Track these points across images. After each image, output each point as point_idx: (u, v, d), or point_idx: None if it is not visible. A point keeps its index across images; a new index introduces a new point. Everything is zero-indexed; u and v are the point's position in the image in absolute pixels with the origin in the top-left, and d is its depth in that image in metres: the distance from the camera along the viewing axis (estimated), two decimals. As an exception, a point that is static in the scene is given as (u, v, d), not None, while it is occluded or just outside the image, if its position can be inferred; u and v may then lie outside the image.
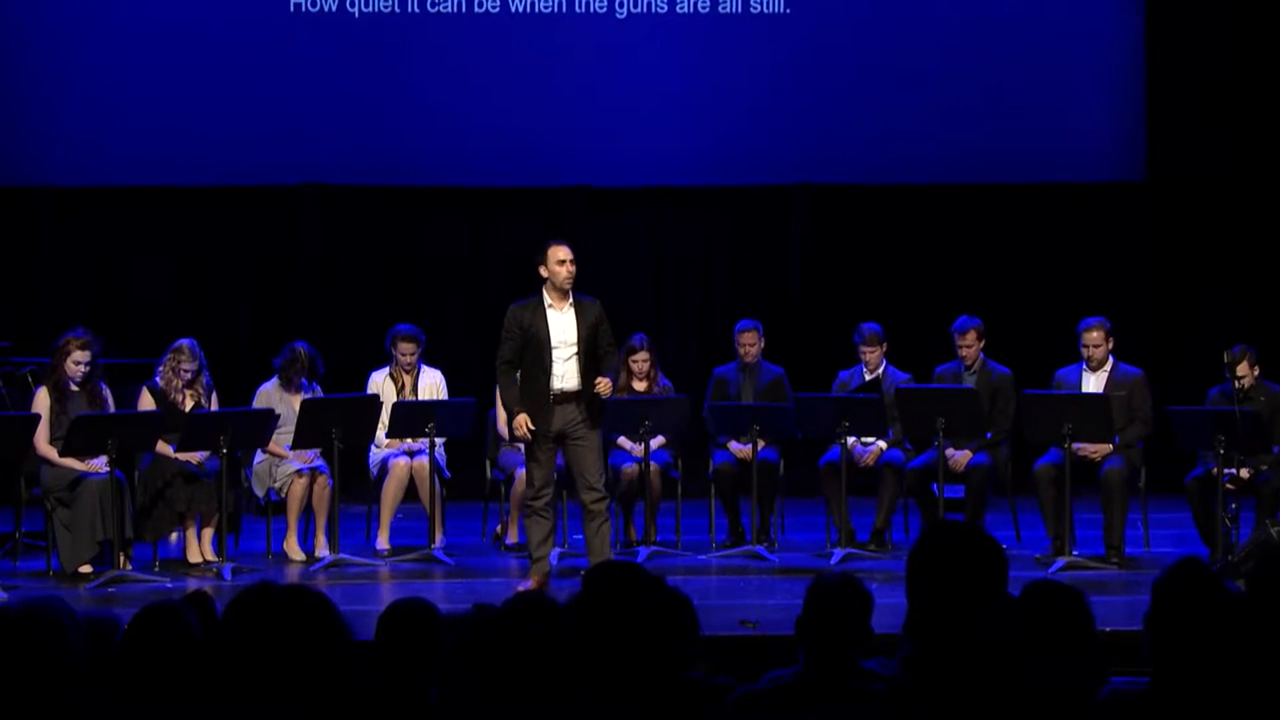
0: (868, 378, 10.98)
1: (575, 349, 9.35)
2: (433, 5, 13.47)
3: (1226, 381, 10.11)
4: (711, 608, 8.26)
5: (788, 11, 13.49)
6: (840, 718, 4.08)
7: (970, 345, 10.82)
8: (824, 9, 13.53)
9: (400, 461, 10.75)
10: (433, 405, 10.71)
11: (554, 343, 9.33)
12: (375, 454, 10.95)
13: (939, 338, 11.15)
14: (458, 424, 10.75)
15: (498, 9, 13.47)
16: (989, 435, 10.62)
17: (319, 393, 10.78)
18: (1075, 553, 10.09)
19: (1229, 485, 9.85)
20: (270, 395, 10.74)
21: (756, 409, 10.74)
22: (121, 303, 13.40)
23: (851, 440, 10.62)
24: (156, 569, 10.06)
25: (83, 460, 9.88)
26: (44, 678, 3.94)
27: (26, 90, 13.34)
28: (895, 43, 13.51)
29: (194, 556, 10.26)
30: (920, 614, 3.88)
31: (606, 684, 3.97)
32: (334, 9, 13.41)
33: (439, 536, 10.62)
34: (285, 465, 10.60)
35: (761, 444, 10.64)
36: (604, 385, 9.39)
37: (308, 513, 10.63)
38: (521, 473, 10.70)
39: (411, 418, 10.60)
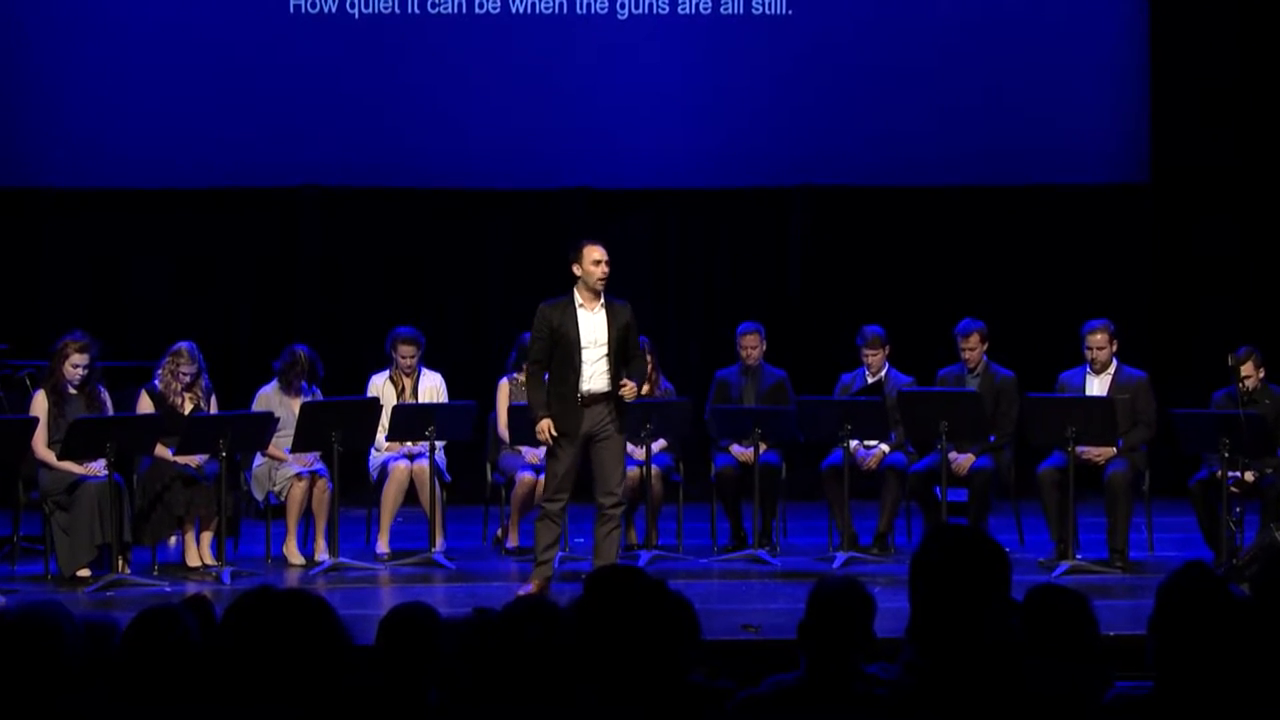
0: (870, 380, 10.96)
1: (605, 350, 9.27)
2: (433, 6, 13.44)
3: (1232, 384, 10.07)
4: (713, 612, 8.26)
5: (789, 13, 13.46)
6: (842, 722, 4.06)
7: (973, 348, 10.79)
8: (826, 10, 13.50)
9: (400, 465, 10.72)
10: (433, 408, 10.68)
11: (584, 343, 9.24)
12: (375, 457, 10.92)
13: (942, 340, 11.13)
14: (458, 427, 10.71)
15: (498, 10, 13.44)
16: (992, 438, 10.59)
17: (319, 396, 10.75)
18: (1079, 556, 10.06)
19: (1234, 488, 9.81)
20: (270, 398, 10.71)
21: (758, 412, 10.72)
22: (120, 305, 13.38)
23: (854, 443, 10.60)
24: (155, 573, 10.03)
25: (81, 463, 9.85)
26: (42, 682, 3.92)
27: (26, 91, 13.31)
28: (897, 44, 13.48)
29: (193, 560, 10.23)
30: (923, 618, 3.88)
31: (608, 688, 3.97)
32: (334, 10, 13.39)
33: (439, 540, 10.58)
34: (285, 468, 10.57)
35: (763, 447, 10.61)
36: (629, 389, 9.31)
37: (307, 516, 10.61)
38: (522, 475, 10.71)
39: (412, 421, 10.57)
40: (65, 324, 10.69)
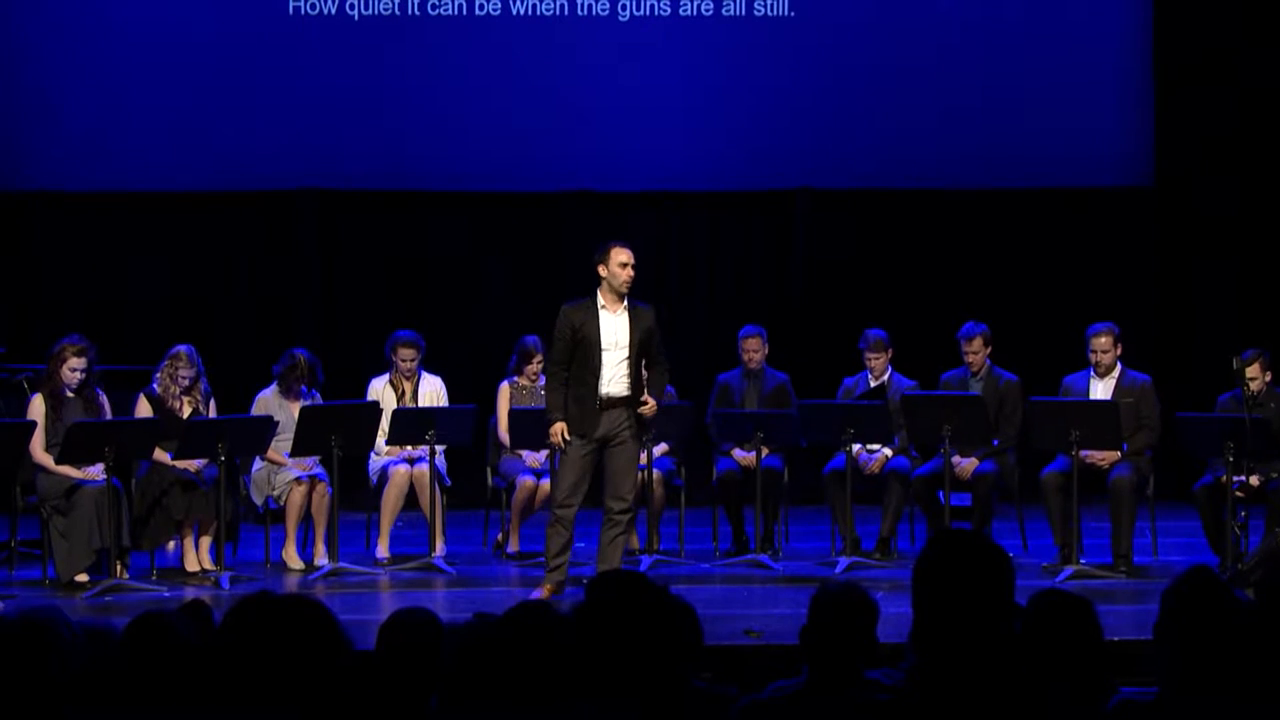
0: (873, 384, 10.95)
1: (626, 354, 9.21)
2: (433, 8, 13.42)
3: (1237, 387, 10.03)
4: (715, 617, 8.20)
5: (792, 14, 13.43)
6: (845, 728, 4.05)
7: (976, 351, 10.77)
8: (829, 12, 13.47)
9: (400, 469, 10.69)
10: (433, 412, 10.65)
11: (604, 345, 9.18)
12: (375, 461, 10.89)
13: (945, 344, 11.11)
14: (458, 431, 10.68)
15: (499, 11, 13.41)
16: (996, 442, 10.57)
17: (318, 399, 10.71)
18: (1083, 561, 10.03)
19: (1238, 493, 9.78)
20: (269, 402, 10.68)
21: (760, 416, 10.69)
22: (119, 308, 13.34)
23: (857, 447, 10.59)
24: (154, 578, 10.01)
25: (79, 468, 9.82)
26: (40, 687, 3.91)
27: (24, 94, 13.29)
28: (900, 46, 13.45)
29: (192, 565, 10.20)
30: (926, 623, 3.87)
31: (610, 693, 3.97)
32: (333, 12, 13.36)
33: (439, 545, 10.56)
34: (284, 473, 10.54)
35: (765, 451, 10.59)
36: (650, 408, 9.27)
37: (307, 521, 10.58)
38: (523, 480, 10.68)
39: (412, 425, 10.54)
40: (63, 327, 10.67)
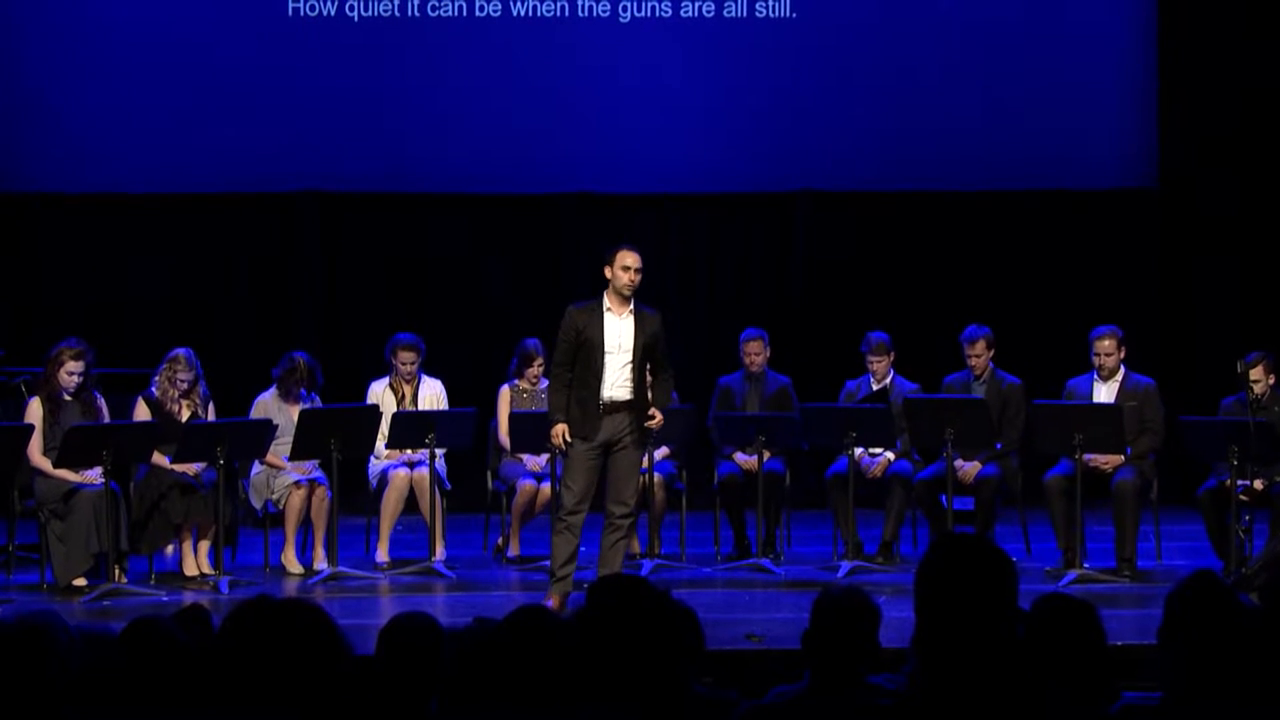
0: (875, 388, 10.94)
1: (630, 358, 9.15)
2: (433, 9, 13.39)
3: (1241, 391, 10.01)
4: (717, 621, 8.18)
5: (793, 16, 13.40)
6: (847, 732, 4.05)
7: (979, 355, 10.75)
8: (830, 13, 13.45)
9: (400, 473, 10.66)
10: (433, 416, 10.62)
11: (607, 348, 9.12)
12: (375, 465, 10.86)
13: (947, 347, 11.10)
14: (458, 435, 10.66)
15: (499, 13, 13.38)
16: (999, 446, 10.55)
17: (318, 403, 10.69)
18: (1086, 565, 10.04)
19: (1243, 497, 9.76)
20: (268, 405, 10.66)
21: (762, 419, 10.67)
22: (117, 311, 13.31)
23: (859, 451, 10.58)
24: (152, 582, 9.99)
25: (77, 472, 9.79)
26: (38, 692, 3.90)
27: (22, 96, 13.27)
28: (902, 47, 13.43)
29: (190, 569, 10.18)
30: (929, 628, 3.86)
31: (611, 698, 3.97)
32: (332, 13, 13.34)
33: (439, 549, 10.53)
34: (283, 476, 10.52)
35: (767, 455, 10.57)
36: (656, 421, 9.22)
37: (306, 525, 10.55)
38: (523, 484, 10.65)
39: (411, 428, 10.51)
40: (61, 330, 10.65)
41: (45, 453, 9.81)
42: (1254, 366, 9.99)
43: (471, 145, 13.40)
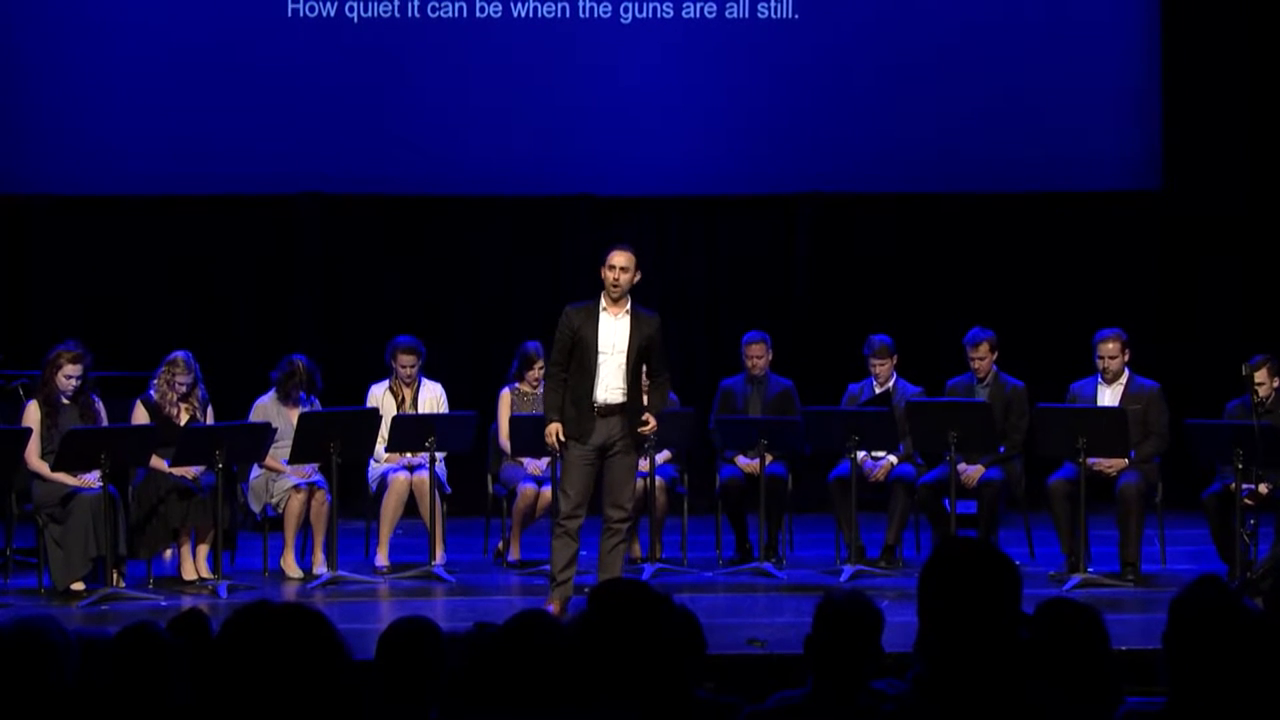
0: (878, 391, 10.91)
1: (623, 359, 9.13)
2: (433, 10, 13.36)
3: (1245, 394, 9.98)
4: (719, 626, 8.18)
5: (796, 17, 13.37)
6: (850, 738, 4.04)
7: (983, 358, 10.73)
8: (833, 15, 13.42)
9: (400, 476, 10.63)
10: (433, 419, 10.60)
11: (601, 348, 9.11)
12: (374, 469, 10.84)
13: (951, 350, 11.09)
14: (458, 438, 10.63)
15: (499, 14, 13.36)
16: (1002, 449, 10.52)
17: (317, 406, 10.66)
18: (1090, 570, 10.00)
19: (1248, 501, 9.74)
20: (267, 409, 10.63)
21: (764, 422, 10.65)
22: (116, 314, 13.29)
23: (861, 454, 10.55)
24: (150, 586, 9.95)
25: (75, 475, 9.77)
26: (36, 697, 3.90)
27: (21, 97, 13.26)
28: (905, 48, 13.40)
29: (189, 574, 10.15)
30: (931, 632, 3.81)
31: (612, 703, 3.95)
32: (332, 14, 13.31)
33: (439, 553, 10.50)
34: (282, 480, 10.50)
35: (769, 458, 10.54)
36: (650, 428, 9.21)
37: (305, 529, 10.53)
38: (524, 487, 10.62)
39: (411, 432, 10.49)
40: (59, 334, 10.61)
41: (43, 456, 9.79)
42: (1258, 369, 9.98)
43: (471, 146, 13.38)
